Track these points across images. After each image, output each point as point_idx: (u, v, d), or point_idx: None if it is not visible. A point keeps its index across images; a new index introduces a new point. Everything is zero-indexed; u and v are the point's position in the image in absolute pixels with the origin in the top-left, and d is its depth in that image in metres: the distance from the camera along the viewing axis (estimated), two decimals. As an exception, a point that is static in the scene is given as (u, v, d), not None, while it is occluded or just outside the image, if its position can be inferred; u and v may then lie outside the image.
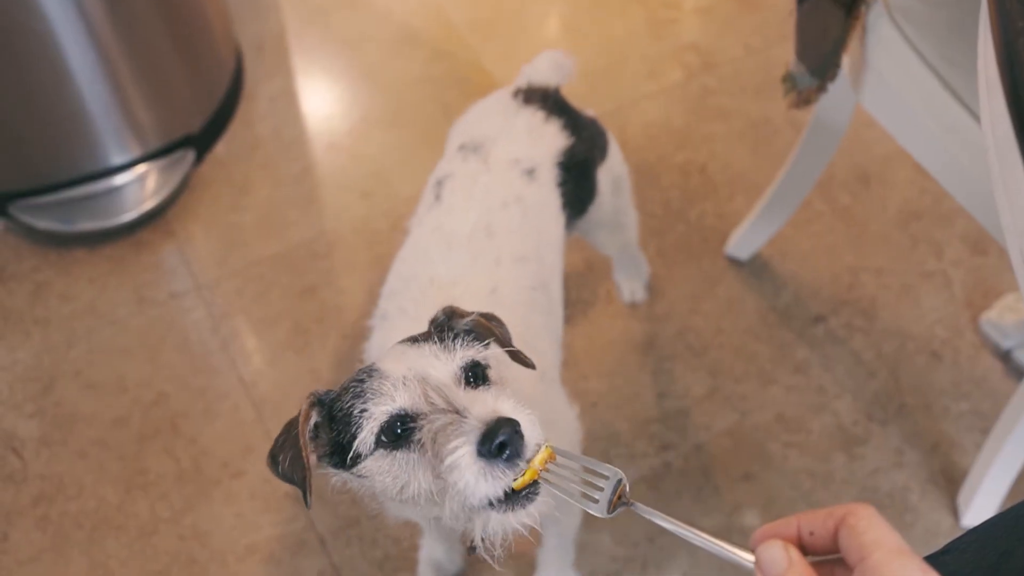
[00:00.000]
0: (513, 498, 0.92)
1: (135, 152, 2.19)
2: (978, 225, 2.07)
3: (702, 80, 2.47)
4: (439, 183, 1.52)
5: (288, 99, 2.46)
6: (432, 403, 0.97)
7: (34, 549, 1.81)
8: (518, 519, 0.93)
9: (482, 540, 0.98)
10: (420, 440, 0.97)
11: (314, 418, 1.05)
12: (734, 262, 2.15)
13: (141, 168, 2.21)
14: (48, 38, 1.93)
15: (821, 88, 1.61)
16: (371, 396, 1.00)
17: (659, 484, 1.85)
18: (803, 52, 1.60)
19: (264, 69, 2.50)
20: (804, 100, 1.64)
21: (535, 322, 1.41)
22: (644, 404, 1.96)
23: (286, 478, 1.05)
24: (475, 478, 0.90)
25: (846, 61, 1.58)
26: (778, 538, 0.70)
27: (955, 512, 1.82)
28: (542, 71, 1.67)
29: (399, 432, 0.98)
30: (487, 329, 1.10)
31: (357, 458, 1.01)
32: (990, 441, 1.71)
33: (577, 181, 1.59)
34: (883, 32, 1.47)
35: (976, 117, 1.37)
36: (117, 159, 2.18)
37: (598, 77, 2.48)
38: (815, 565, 0.71)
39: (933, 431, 1.92)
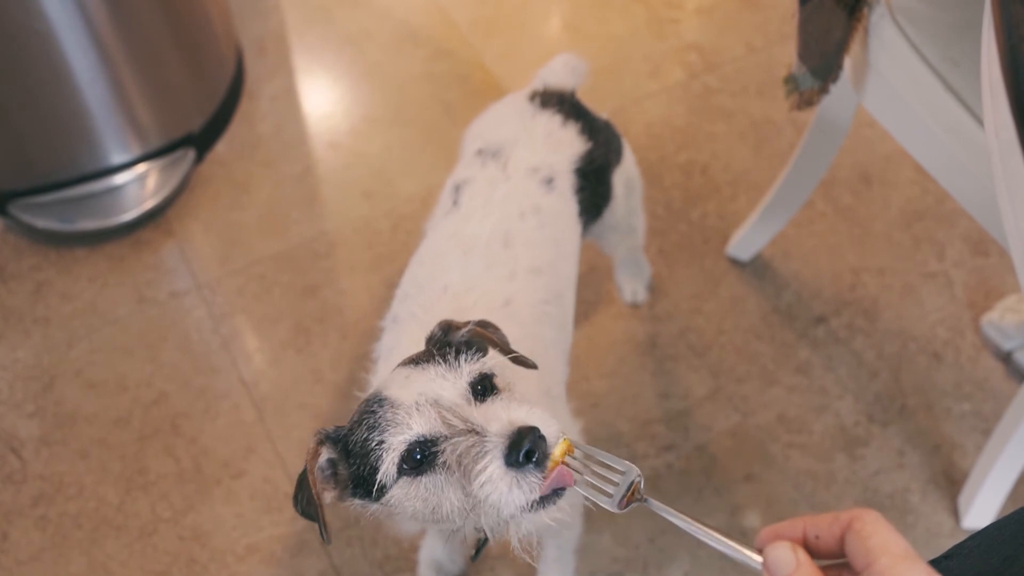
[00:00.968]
0: (543, 496, 0.93)
1: (135, 151, 2.19)
2: (980, 226, 2.07)
3: (704, 80, 2.47)
4: (457, 188, 1.51)
5: (289, 98, 2.46)
6: (451, 425, 0.97)
7: (34, 549, 1.81)
8: (550, 515, 0.95)
9: (519, 542, 0.99)
10: (445, 462, 0.98)
11: (325, 455, 1.06)
12: (736, 262, 2.14)
13: (142, 167, 2.21)
14: (49, 37, 1.92)
15: (823, 89, 1.61)
16: (386, 427, 1.00)
17: (660, 485, 1.85)
18: (805, 53, 1.59)
19: (265, 68, 2.50)
20: (806, 101, 1.64)
21: (545, 336, 1.41)
22: (645, 404, 1.96)
23: (306, 515, 1.06)
24: (508, 489, 0.92)
25: (848, 62, 1.58)
26: (784, 539, 0.71)
27: (956, 514, 1.81)
28: (558, 73, 1.67)
29: (420, 458, 0.99)
30: (485, 338, 1.10)
31: (382, 489, 1.01)
32: (991, 443, 1.71)
33: (594, 187, 1.59)
34: (885, 33, 1.46)
35: (978, 119, 1.37)
36: (117, 158, 2.18)
37: (600, 76, 2.47)
38: (821, 569, 0.71)
39: (934, 432, 1.92)
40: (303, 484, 1.06)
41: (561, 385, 1.47)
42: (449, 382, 1.01)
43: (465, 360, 1.03)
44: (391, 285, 2.12)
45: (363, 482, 1.04)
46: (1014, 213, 1.00)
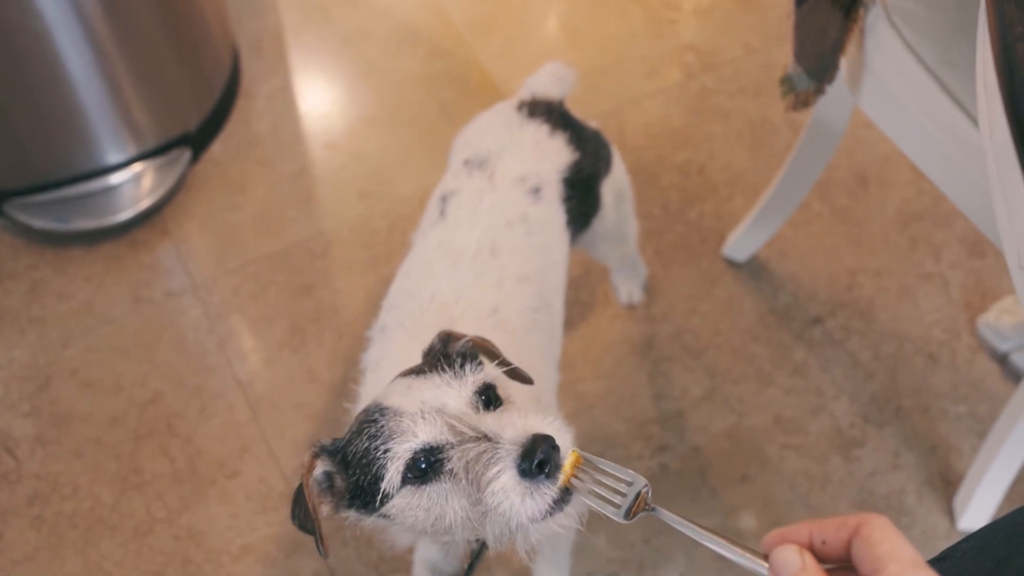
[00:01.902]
0: (551, 505, 0.93)
1: (131, 151, 2.19)
2: (976, 227, 2.07)
3: (701, 80, 2.46)
4: (444, 199, 1.51)
5: (286, 98, 2.45)
6: (459, 433, 0.97)
7: (29, 549, 1.81)
8: (557, 523, 0.94)
9: (525, 552, 0.99)
10: (452, 471, 0.97)
11: (321, 467, 1.05)
12: (732, 263, 2.14)
13: (137, 167, 2.20)
14: (44, 37, 1.92)
15: (819, 90, 1.60)
16: (390, 435, 0.99)
17: (656, 486, 1.85)
18: (801, 54, 1.59)
19: (262, 67, 2.49)
20: (802, 102, 1.63)
21: (534, 343, 1.41)
22: (641, 405, 1.95)
23: (303, 529, 1.06)
24: (521, 498, 0.92)
25: (844, 63, 1.58)
26: (790, 543, 0.71)
27: (952, 515, 1.81)
28: (545, 83, 1.67)
29: (424, 467, 0.98)
30: (484, 350, 1.09)
31: (384, 499, 1.01)
32: (987, 444, 1.71)
33: (582, 196, 1.58)
34: (881, 34, 1.46)
35: (974, 120, 1.37)
36: (113, 158, 2.17)
37: (597, 77, 2.47)
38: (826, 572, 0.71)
39: (930, 434, 1.91)
40: (300, 498, 1.05)
41: (551, 393, 1.46)
42: (454, 390, 1.01)
43: (470, 370, 1.03)
44: (387, 285, 2.12)
45: (362, 493, 1.03)
46: (1008, 215, 1.00)
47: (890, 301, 2.09)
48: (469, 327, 1.28)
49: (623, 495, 0.84)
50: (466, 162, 1.55)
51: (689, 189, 2.26)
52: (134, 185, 2.19)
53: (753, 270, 2.13)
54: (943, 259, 2.14)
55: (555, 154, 1.55)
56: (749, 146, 2.34)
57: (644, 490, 0.84)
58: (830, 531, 0.70)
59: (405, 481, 0.99)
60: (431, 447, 0.98)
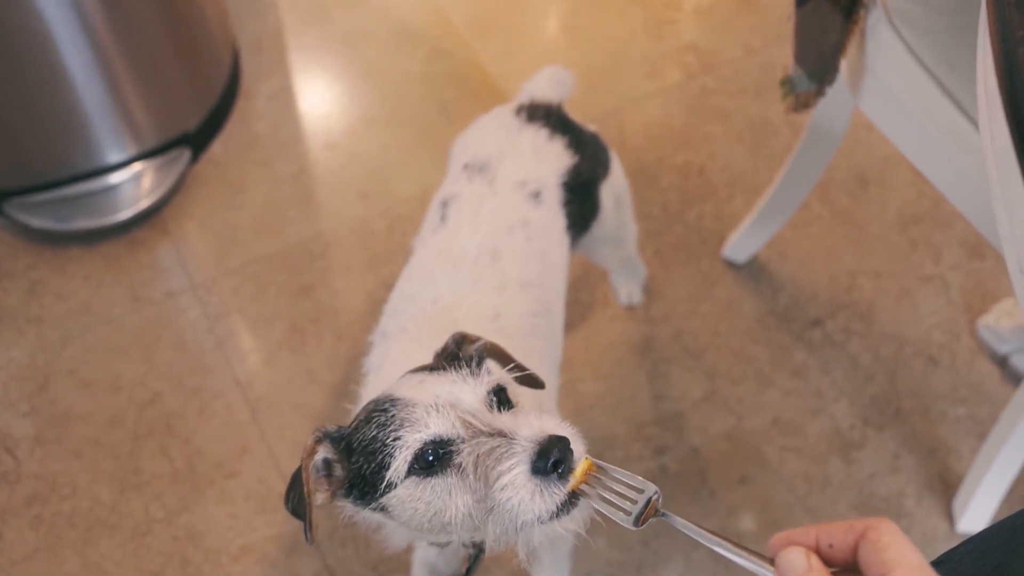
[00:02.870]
0: (559, 506, 0.93)
1: (131, 150, 2.18)
2: (976, 229, 2.06)
3: (701, 80, 2.46)
4: (444, 204, 1.51)
5: (285, 97, 2.45)
6: (472, 428, 0.97)
7: (28, 549, 1.81)
8: (564, 526, 0.94)
9: (525, 554, 0.99)
10: (460, 464, 0.97)
11: (322, 453, 1.05)
12: (732, 264, 2.14)
13: (137, 166, 2.20)
14: (44, 36, 1.92)
15: (819, 92, 1.60)
16: (401, 424, 0.99)
17: (657, 485, 1.84)
18: (801, 55, 1.59)
19: (262, 67, 2.49)
20: (802, 104, 1.63)
21: (535, 348, 1.41)
22: (641, 407, 1.95)
23: (295, 514, 1.06)
24: (531, 496, 0.91)
25: (845, 65, 1.58)
26: (797, 545, 0.71)
27: (951, 518, 1.81)
28: (543, 87, 1.67)
29: (432, 459, 0.98)
30: (499, 353, 1.09)
31: (388, 488, 1.00)
32: (986, 447, 1.71)
33: (581, 200, 1.59)
34: (882, 36, 1.46)
35: (974, 122, 1.37)
36: (113, 157, 2.17)
37: (597, 77, 2.47)
38: None
39: (930, 436, 1.91)
40: (296, 481, 1.05)
41: (552, 398, 1.47)
42: (469, 387, 1.01)
43: (484, 370, 1.03)
44: (387, 286, 2.12)
45: (363, 482, 1.03)
46: (1009, 218, 1.00)
47: (890, 303, 2.09)
48: (471, 331, 1.28)
49: (633, 502, 0.85)
50: (466, 167, 1.55)
51: (689, 190, 2.26)
52: (133, 185, 2.19)
53: (753, 271, 2.13)
54: (943, 261, 2.14)
55: (554, 158, 1.55)
56: (749, 147, 2.33)
57: (655, 497, 0.84)
58: (837, 535, 0.70)
59: (411, 471, 0.99)
60: (441, 439, 0.98)
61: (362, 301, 2.10)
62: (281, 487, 1.86)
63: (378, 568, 1.78)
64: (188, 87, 2.24)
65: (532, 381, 1.12)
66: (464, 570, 1.24)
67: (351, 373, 2.00)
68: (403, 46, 2.55)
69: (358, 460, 1.03)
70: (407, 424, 0.99)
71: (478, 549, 1.21)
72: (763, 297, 2.10)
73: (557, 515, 0.93)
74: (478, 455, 0.95)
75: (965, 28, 1.36)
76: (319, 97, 2.47)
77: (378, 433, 1.00)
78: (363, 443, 1.02)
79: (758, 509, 1.83)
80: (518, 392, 1.08)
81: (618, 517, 0.85)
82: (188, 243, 2.20)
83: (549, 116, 1.61)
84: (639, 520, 0.84)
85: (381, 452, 1.00)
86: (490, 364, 1.10)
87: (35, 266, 2.16)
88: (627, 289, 2.07)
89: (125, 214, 2.16)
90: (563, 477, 0.91)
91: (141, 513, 1.84)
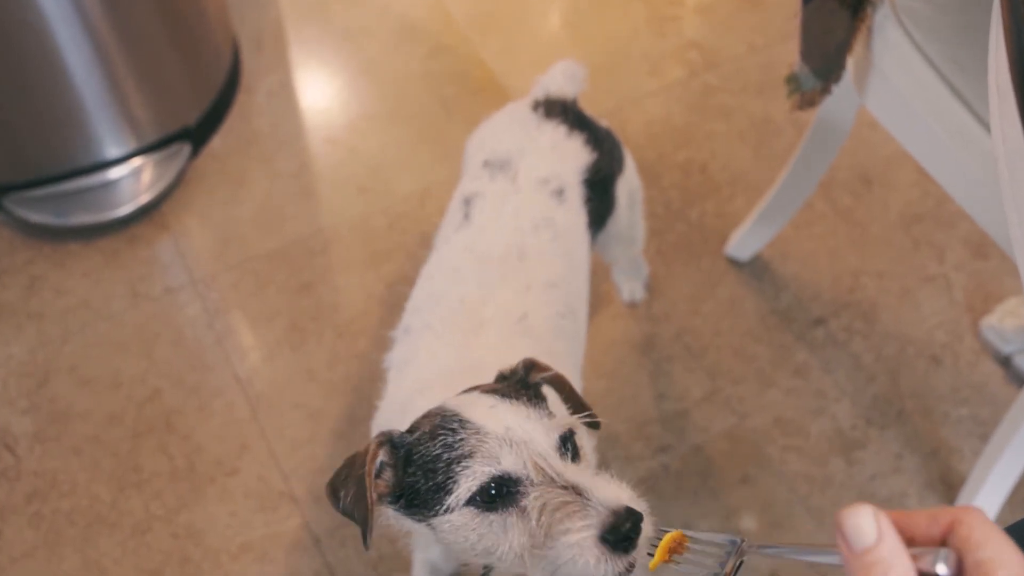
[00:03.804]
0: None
1: (130, 145, 2.17)
2: (980, 229, 2.05)
3: (704, 78, 2.45)
4: (467, 201, 1.50)
5: (286, 93, 2.44)
6: (544, 473, 0.96)
7: (27, 546, 1.80)
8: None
9: None
10: (525, 507, 0.96)
11: (382, 457, 1.03)
12: (734, 263, 2.13)
13: (136, 161, 2.19)
14: (43, 30, 1.90)
15: (825, 90, 1.59)
16: (471, 452, 0.97)
17: (656, 486, 1.84)
18: (807, 53, 1.58)
19: (262, 62, 2.48)
20: (808, 102, 1.62)
21: (560, 350, 1.40)
22: (642, 405, 1.94)
23: (346, 513, 1.03)
24: (595, 561, 0.91)
25: (851, 63, 1.57)
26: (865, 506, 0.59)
27: (954, 518, 1.80)
28: (559, 82, 1.66)
29: (494, 494, 0.97)
30: (564, 388, 1.09)
31: (444, 511, 0.99)
32: (989, 448, 1.70)
33: (600, 197, 1.58)
34: (889, 34, 1.45)
35: (982, 122, 1.36)
36: (112, 152, 2.16)
37: (599, 74, 2.46)
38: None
39: (932, 436, 1.91)
40: (349, 481, 1.02)
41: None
42: (542, 428, 0.99)
43: (546, 411, 1.02)
44: (387, 283, 2.11)
45: (416, 495, 1.01)
46: (1019, 220, 0.99)
47: (893, 303, 2.08)
48: (498, 332, 1.28)
49: (722, 556, 0.82)
50: (486, 164, 1.53)
51: (691, 188, 2.25)
52: (133, 180, 2.18)
53: (755, 270, 2.13)
54: (946, 261, 2.13)
55: (574, 155, 1.54)
56: (752, 145, 2.33)
57: (742, 545, 0.82)
58: (920, 528, 0.60)
59: (471, 501, 0.97)
60: (510, 477, 0.96)
61: (362, 299, 2.09)
62: (281, 485, 1.85)
63: (378, 567, 1.77)
64: (188, 82, 2.23)
65: (591, 421, 1.11)
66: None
67: (351, 371, 1.99)
68: (404, 42, 2.54)
69: (416, 474, 1.01)
70: (477, 453, 0.97)
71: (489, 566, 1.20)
72: (765, 296, 2.09)
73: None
74: (545, 503, 0.94)
75: (973, 27, 1.36)
76: (319, 93, 2.46)
77: (443, 453, 0.98)
78: (425, 459, 1.00)
79: (759, 509, 1.82)
80: (583, 437, 1.08)
81: (705, 573, 0.83)
82: (188, 239, 2.18)
83: (566, 112, 1.60)
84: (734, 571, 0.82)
85: (443, 474, 0.98)
86: (552, 398, 1.09)
87: (34, 261, 2.15)
88: (630, 287, 2.07)
89: (124, 209, 2.15)
90: (627, 551, 0.90)
91: (141, 511, 1.83)
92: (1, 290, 2.11)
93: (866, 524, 0.57)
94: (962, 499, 1.79)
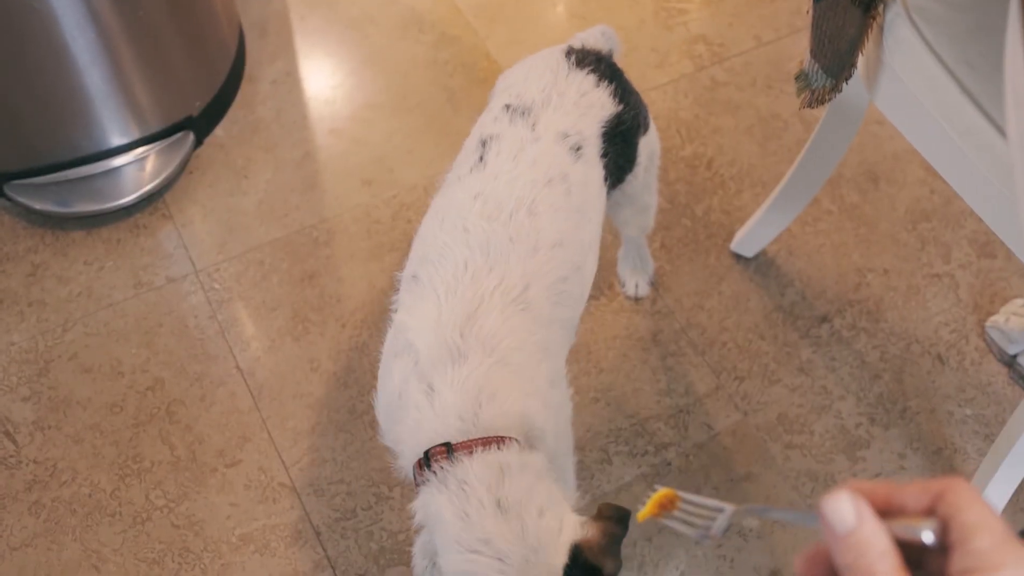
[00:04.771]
0: None
1: (134, 134, 2.16)
2: (987, 228, 2.04)
3: (711, 72, 2.44)
4: (484, 143, 1.48)
5: (290, 82, 2.42)
6: None
7: (27, 534, 1.79)
8: None
9: None
10: None
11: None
12: (739, 259, 2.12)
13: (140, 150, 2.18)
14: (47, 16, 1.89)
15: (836, 88, 1.58)
16: None
17: (659, 482, 1.84)
18: (818, 50, 1.57)
19: (266, 51, 2.46)
20: (817, 99, 1.61)
21: (557, 319, 1.40)
22: (646, 401, 1.94)
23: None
24: None
25: (861, 60, 1.55)
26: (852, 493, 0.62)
27: (956, 518, 1.80)
28: (597, 37, 1.67)
29: None
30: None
31: None
32: (993, 449, 1.70)
33: (620, 149, 1.57)
34: (900, 33, 1.44)
35: (993, 123, 1.35)
36: (116, 140, 2.15)
37: (606, 67, 2.44)
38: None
39: (936, 436, 1.90)
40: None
41: (562, 369, 1.45)
42: None
43: None
44: (391, 274, 2.10)
45: None
46: (1033, 225, 0.98)
47: (898, 301, 2.07)
48: (497, 310, 1.28)
49: (711, 519, 0.83)
50: (507, 107, 1.52)
51: (697, 183, 2.24)
52: (136, 168, 2.17)
53: (760, 266, 2.12)
54: (953, 259, 2.12)
55: (599, 106, 1.53)
56: (759, 140, 2.31)
57: (733, 512, 0.81)
58: (910, 498, 0.63)
59: None
60: None
61: (365, 290, 2.08)
62: (282, 476, 1.85)
63: (379, 560, 1.77)
64: (192, 70, 2.22)
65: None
66: None
67: (354, 362, 1.98)
68: (409, 32, 2.52)
69: None
70: None
71: None
72: (770, 293, 2.08)
73: None
74: None
75: (986, 28, 1.34)
76: (324, 82, 2.45)
77: None
78: None
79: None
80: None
81: (695, 533, 0.83)
82: (191, 228, 2.18)
83: (600, 62, 1.59)
84: (713, 532, 0.82)
85: None
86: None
87: (36, 249, 2.14)
88: (634, 280, 2.06)
89: (128, 198, 2.14)
90: None
91: (141, 500, 1.83)
92: (3, 277, 2.10)
93: (846, 510, 0.61)
94: (965, 499, 1.78)
